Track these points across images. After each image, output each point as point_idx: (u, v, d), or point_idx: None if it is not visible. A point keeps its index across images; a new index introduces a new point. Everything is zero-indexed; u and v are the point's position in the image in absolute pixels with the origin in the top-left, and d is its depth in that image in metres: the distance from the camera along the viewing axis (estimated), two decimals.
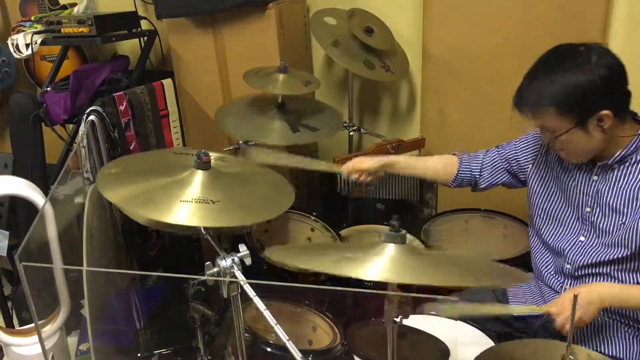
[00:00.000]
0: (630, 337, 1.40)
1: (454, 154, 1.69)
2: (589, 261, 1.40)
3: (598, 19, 1.96)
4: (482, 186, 1.65)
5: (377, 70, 2.16)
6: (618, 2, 1.96)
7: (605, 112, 1.25)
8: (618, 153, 1.32)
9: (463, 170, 1.64)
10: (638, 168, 1.32)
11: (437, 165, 1.69)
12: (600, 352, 1.37)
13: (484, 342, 1.42)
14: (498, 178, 1.62)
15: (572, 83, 1.24)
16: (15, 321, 2.25)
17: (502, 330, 1.51)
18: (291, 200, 1.31)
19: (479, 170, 1.63)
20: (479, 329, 1.47)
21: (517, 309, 1.47)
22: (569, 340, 0.93)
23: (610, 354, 1.38)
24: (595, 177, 1.38)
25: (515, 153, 1.58)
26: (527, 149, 1.56)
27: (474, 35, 2.15)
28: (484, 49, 2.15)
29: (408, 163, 1.71)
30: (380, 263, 0.96)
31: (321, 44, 2.14)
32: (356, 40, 2.17)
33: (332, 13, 2.26)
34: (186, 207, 1.15)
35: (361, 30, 2.15)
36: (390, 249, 0.99)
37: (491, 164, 1.62)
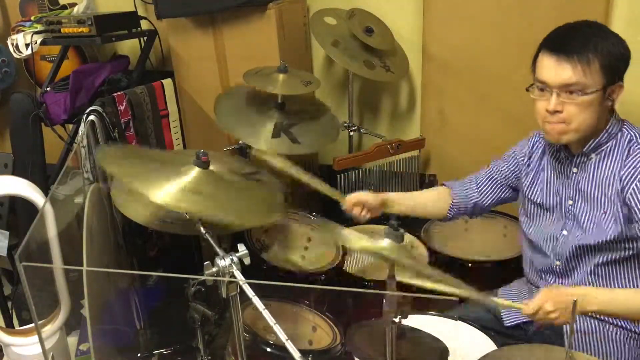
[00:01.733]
0: (623, 341, 1.40)
1: (444, 184, 1.69)
2: (575, 251, 1.40)
3: (598, 19, 1.96)
4: (486, 204, 1.63)
5: (377, 70, 2.16)
6: (618, 2, 1.96)
7: (621, 83, 1.28)
8: (592, 140, 1.35)
9: (458, 197, 1.64)
10: (612, 157, 1.34)
11: (434, 199, 1.66)
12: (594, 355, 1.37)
13: (484, 342, 1.42)
14: (495, 198, 1.63)
15: (615, 43, 1.28)
16: (15, 321, 2.25)
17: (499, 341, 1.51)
18: (280, 213, 1.32)
19: (477, 193, 1.63)
20: (478, 329, 1.47)
21: (492, 300, 1.34)
22: (568, 345, 0.93)
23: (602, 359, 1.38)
24: (575, 169, 1.40)
25: (507, 168, 1.60)
26: (516, 162, 1.59)
27: (474, 35, 2.15)
28: (484, 49, 2.15)
29: (406, 200, 1.66)
30: None
31: (321, 44, 2.14)
32: (356, 40, 2.17)
33: (332, 13, 2.26)
34: (178, 191, 1.17)
35: (361, 30, 2.15)
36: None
37: (485, 187, 1.63)
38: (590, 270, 1.40)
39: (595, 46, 1.27)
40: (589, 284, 1.41)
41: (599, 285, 1.40)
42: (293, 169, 1.52)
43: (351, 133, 2.36)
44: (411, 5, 2.31)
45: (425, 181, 2.40)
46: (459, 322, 1.49)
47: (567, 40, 1.32)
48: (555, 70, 1.30)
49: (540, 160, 1.52)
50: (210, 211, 1.19)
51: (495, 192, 1.62)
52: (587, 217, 1.38)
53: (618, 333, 1.40)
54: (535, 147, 1.55)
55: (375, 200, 1.59)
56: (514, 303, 1.31)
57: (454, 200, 1.63)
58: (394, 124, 2.57)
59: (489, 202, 1.63)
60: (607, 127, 1.35)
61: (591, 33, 1.31)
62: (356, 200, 1.59)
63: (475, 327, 1.47)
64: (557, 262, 1.46)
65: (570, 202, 1.42)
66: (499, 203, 1.65)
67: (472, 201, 1.63)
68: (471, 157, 2.31)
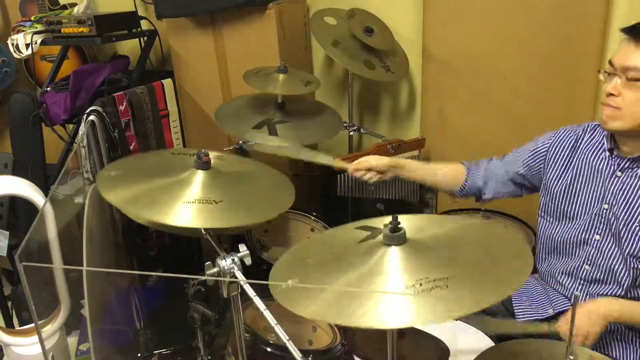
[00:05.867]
0: (632, 339, 1.39)
1: (462, 163, 1.64)
2: (608, 262, 1.37)
3: (598, 20, 1.96)
4: (485, 197, 1.61)
5: (377, 70, 2.16)
6: (618, 2, 1.96)
7: None
8: None
9: (470, 180, 1.61)
10: None
11: (446, 173, 1.64)
12: (601, 352, 1.36)
13: (484, 342, 1.42)
14: (503, 190, 1.58)
15: None
16: (15, 321, 2.25)
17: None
18: (292, 197, 1.30)
19: (482, 181, 1.59)
20: (479, 329, 1.46)
21: (529, 327, 1.38)
22: (569, 341, 0.93)
23: (611, 354, 1.38)
24: (619, 173, 1.35)
25: (526, 161, 1.54)
26: (539, 154, 1.52)
27: (474, 35, 2.15)
28: (484, 49, 2.15)
29: (418, 167, 1.65)
30: (386, 281, 0.92)
31: (321, 44, 2.14)
32: (356, 40, 2.17)
33: (332, 13, 2.26)
34: (189, 208, 1.15)
35: (361, 30, 2.15)
36: (393, 254, 0.96)
37: (495, 176, 1.58)
38: (615, 285, 1.37)
39: None
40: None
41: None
42: (288, 150, 1.60)
43: (351, 133, 2.36)
44: (411, 5, 2.31)
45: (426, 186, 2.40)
46: (459, 322, 1.48)
47: None
48: (622, 52, 1.27)
49: (570, 154, 1.45)
50: (230, 222, 1.16)
51: (498, 189, 1.58)
52: (622, 226, 1.33)
53: (626, 332, 1.39)
54: (563, 140, 1.48)
55: (383, 164, 1.58)
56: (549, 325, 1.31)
57: (465, 183, 1.61)
58: (394, 124, 2.57)
59: (489, 196, 1.60)
60: None
61: None
62: (359, 166, 1.59)
63: (475, 327, 1.47)
64: (587, 267, 1.41)
65: (606, 206, 1.36)
66: (499, 198, 1.61)
67: (478, 189, 1.61)
68: (471, 157, 2.30)
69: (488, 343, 1.41)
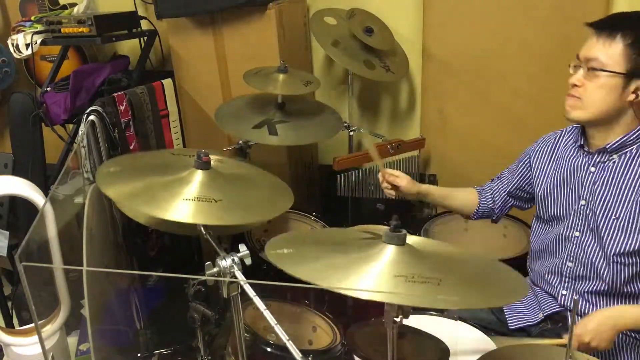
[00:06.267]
0: (629, 346, 1.39)
1: (475, 188, 1.72)
2: (589, 258, 1.38)
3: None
4: (496, 218, 1.69)
5: (377, 70, 2.16)
6: (618, 2, 1.96)
7: None
8: (619, 138, 1.32)
9: (482, 203, 1.68)
10: (636, 162, 1.32)
11: (464, 197, 1.70)
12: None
13: (484, 342, 1.42)
14: (507, 205, 1.66)
15: None
16: (15, 321, 2.25)
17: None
18: (291, 202, 1.31)
19: (492, 202, 1.67)
20: (479, 329, 1.47)
21: (540, 342, 1.42)
22: (568, 345, 0.93)
23: None
24: (593, 169, 1.38)
25: (516, 173, 1.61)
26: (524, 163, 1.58)
27: (474, 35, 2.16)
28: (484, 49, 2.16)
29: (441, 194, 1.71)
30: (377, 269, 0.94)
31: (321, 44, 2.14)
32: (356, 40, 2.17)
33: (332, 13, 2.26)
34: (188, 205, 1.15)
35: (361, 30, 2.15)
36: (390, 251, 0.98)
37: (498, 194, 1.66)
38: (606, 285, 1.37)
39: (630, 29, 1.25)
40: (602, 297, 1.40)
41: (613, 302, 1.39)
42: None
43: (351, 133, 2.36)
44: (411, 5, 2.32)
45: (425, 181, 2.40)
46: (459, 322, 1.49)
47: (608, 18, 1.32)
48: (586, 45, 1.32)
49: (550, 157, 1.50)
50: (229, 220, 1.16)
51: (503, 205, 1.66)
52: (600, 221, 1.35)
53: (624, 339, 1.39)
54: (543, 146, 1.54)
55: (410, 189, 1.62)
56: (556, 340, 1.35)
57: (479, 207, 1.68)
58: (394, 124, 2.57)
59: (498, 214, 1.68)
60: (636, 128, 1.32)
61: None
62: (392, 180, 1.61)
63: (475, 327, 1.47)
64: (569, 264, 1.43)
65: (583, 202, 1.39)
66: (507, 211, 1.68)
67: (491, 210, 1.68)
68: (471, 157, 2.31)
69: (488, 342, 1.41)
